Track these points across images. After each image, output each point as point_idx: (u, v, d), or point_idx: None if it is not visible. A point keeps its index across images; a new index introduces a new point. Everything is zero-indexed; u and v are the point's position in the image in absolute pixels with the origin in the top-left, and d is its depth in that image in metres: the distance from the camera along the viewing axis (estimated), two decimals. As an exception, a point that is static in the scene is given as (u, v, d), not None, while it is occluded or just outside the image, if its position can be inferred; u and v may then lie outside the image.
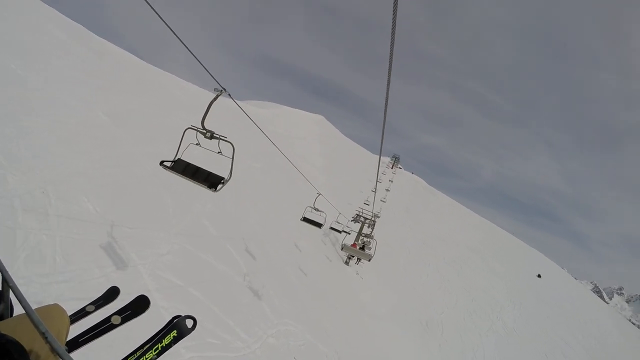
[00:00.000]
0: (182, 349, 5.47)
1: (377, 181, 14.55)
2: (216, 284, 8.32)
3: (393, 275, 28.99)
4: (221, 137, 4.75)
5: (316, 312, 12.80)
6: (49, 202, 5.71)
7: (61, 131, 7.92)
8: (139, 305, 2.09)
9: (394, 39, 3.52)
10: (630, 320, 68.83)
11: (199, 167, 5.08)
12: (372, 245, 19.89)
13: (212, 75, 4.60)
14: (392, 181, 53.74)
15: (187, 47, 4.12)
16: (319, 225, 13.76)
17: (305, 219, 13.80)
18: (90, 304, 2.04)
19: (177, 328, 1.80)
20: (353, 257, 25.41)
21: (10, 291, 1.24)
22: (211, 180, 4.92)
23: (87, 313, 1.96)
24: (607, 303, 56.77)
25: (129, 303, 2.08)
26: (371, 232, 27.38)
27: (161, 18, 3.66)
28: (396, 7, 3.24)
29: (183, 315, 1.87)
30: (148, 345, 1.71)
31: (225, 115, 21.78)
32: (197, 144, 5.06)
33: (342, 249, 15.95)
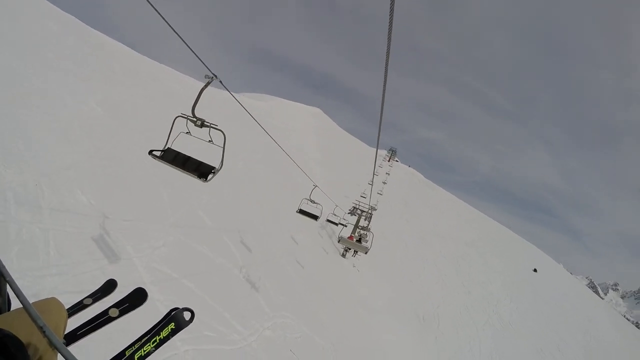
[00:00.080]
0: (178, 342, 5.46)
1: (374, 174, 14.54)
2: (212, 276, 8.31)
3: (390, 268, 29.22)
4: (212, 125, 4.63)
5: (313, 305, 12.88)
6: (42, 194, 5.63)
7: (54, 123, 7.80)
8: (137, 297, 2.08)
9: (391, 30, 3.48)
10: (625, 316, 70.10)
11: (190, 157, 4.95)
12: (369, 237, 19.99)
13: (202, 61, 4.46)
14: (389, 174, 53.95)
15: (173, 29, 3.99)
16: (315, 217, 13.76)
17: (301, 211, 13.79)
18: (88, 296, 2.03)
19: (175, 320, 1.79)
20: (350, 249, 25.54)
21: (7, 285, 1.22)
22: (201, 170, 4.79)
23: (85, 306, 1.95)
24: (602, 298, 57.73)
25: (126, 296, 2.07)
26: (368, 224, 27.53)
27: (152, 5, 3.58)
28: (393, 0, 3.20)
29: (181, 307, 1.87)
30: (146, 337, 1.70)
31: (222, 108, 21.62)
32: (187, 132, 4.97)
33: (339, 242, 16.01)
